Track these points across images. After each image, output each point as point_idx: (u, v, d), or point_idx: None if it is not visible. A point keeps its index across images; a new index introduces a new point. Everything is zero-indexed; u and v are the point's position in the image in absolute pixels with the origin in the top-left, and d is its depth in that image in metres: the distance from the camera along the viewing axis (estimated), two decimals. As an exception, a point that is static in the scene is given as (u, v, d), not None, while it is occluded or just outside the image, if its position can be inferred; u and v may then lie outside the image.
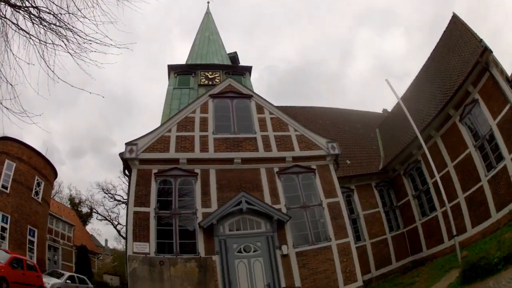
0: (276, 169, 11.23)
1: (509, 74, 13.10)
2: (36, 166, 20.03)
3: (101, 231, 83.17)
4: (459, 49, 13.50)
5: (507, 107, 10.65)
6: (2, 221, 17.31)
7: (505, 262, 6.45)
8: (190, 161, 10.84)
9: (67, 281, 15.17)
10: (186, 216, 10.35)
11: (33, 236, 19.36)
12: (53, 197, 28.28)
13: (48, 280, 13.83)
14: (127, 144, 10.85)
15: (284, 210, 10.62)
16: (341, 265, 10.58)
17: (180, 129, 11.35)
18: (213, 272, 9.36)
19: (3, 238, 17.08)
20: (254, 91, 13.22)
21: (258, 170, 11.11)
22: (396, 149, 15.48)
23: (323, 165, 11.73)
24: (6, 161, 18.57)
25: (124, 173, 11.60)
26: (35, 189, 19.80)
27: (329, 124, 17.83)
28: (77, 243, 27.31)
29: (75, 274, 16.97)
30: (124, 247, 43.18)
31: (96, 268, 30.39)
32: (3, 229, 17.25)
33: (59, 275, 15.48)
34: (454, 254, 10.28)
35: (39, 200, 20.09)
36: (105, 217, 38.82)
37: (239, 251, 10.01)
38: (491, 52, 11.14)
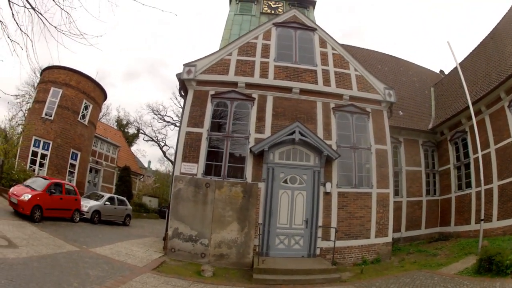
0: (332, 105, 11.17)
1: None
2: (85, 90, 20.80)
3: (146, 152, 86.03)
4: (518, 37, 13.14)
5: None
6: (43, 148, 18.39)
7: None
8: (249, 85, 10.91)
9: (106, 202, 15.54)
10: (238, 140, 10.56)
11: (75, 159, 20.49)
12: (100, 119, 29.04)
13: (86, 203, 14.27)
14: (185, 65, 11.00)
15: (334, 147, 10.66)
16: (377, 215, 10.67)
17: (241, 54, 11.34)
18: (257, 199, 9.45)
19: (42, 165, 18.15)
20: (317, 24, 12.80)
21: (315, 103, 11.07)
22: (447, 113, 15.14)
23: (377, 110, 11.56)
24: (52, 88, 19.53)
25: (180, 94, 11.86)
26: (82, 112, 20.67)
27: (387, 71, 17.39)
28: (121, 164, 28.06)
29: (115, 196, 17.38)
30: (167, 169, 42.00)
31: (136, 189, 30.95)
32: (43, 156, 18.33)
33: (98, 197, 15.88)
34: (476, 239, 10.31)
35: (86, 123, 21.04)
36: (152, 138, 39.58)
37: (285, 181, 10.20)
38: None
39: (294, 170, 10.32)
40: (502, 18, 15.56)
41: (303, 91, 11.04)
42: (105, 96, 23.63)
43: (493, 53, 14.69)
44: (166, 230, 10.03)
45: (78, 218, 13.25)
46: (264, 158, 10.15)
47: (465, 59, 17.01)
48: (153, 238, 12.60)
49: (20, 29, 5.19)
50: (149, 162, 50.32)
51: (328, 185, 10.32)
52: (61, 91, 19.64)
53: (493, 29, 15.96)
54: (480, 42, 16.74)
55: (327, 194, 10.30)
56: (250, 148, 10.21)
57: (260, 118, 10.67)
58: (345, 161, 10.82)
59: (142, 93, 73.70)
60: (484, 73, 14.22)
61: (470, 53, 17.17)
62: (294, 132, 10.16)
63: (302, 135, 10.17)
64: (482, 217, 10.01)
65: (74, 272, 5.85)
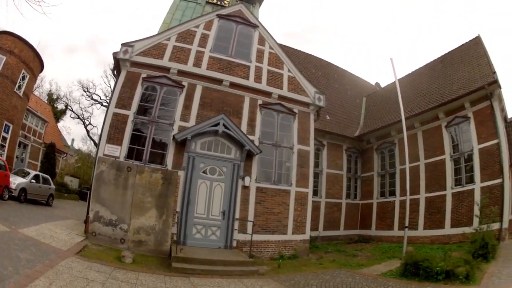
0: (259, 102, 11.47)
1: (509, 116, 13.71)
2: (25, 59, 19.52)
3: (71, 130, 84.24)
4: (471, 66, 13.70)
5: (494, 141, 11.29)
6: (-22, 118, 17.08)
7: (446, 275, 6.94)
8: (181, 72, 10.90)
9: (32, 180, 14.93)
10: (163, 126, 10.50)
11: (7, 132, 19.25)
12: (33, 91, 27.50)
13: (14, 180, 13.64)
14: (123, 44, 10.75)
15: (256, 143, 10.95)
16: (294, 213, 11.10)
17: (179, 40, 11.30)
18: (176, 187, 9.51)
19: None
20: (260, 21, 12.95)
21: (243, 98, 11.31)
22: (377, 123, 16.04)
23: (305, 112, 12.05)
24: (-2, 55, 18.12)
25: (113, 73, 11.61)
26: (19, 83, 19.44)
27: (321, 76, 17.97)
28: (47, 140, 26.94)
29: (40, 174, 16.66)
30: (89, 149, 41.33)
31: (59, 168, 29.87)
32: (-23, 127, 16.99)
33: (24, 174, 15.20)
34: (400, 245, 10.88)
35: (21, 94, 19.78)
36: (78, 115, 38.66)
37: (204, 172, 10.30)
38: (500, 87, 11.42)
39: (215, 161, 10.47)
40: (461, 45, 15.80)
41: (233, 85, 11.23)
42: (42, 67, 22.25)
43: (439, 75, 15.45)
44: (87, 213, 9.72)
45: (7, 196, 12.47)
46: (186, 146, 10.19)
47: (406, 75, 17.95)
48: (74, 221, 12.18)
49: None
50: (73, 140, 48.78)
51: (247, 179, 10.57)
52: (4, 58, 18.20)
53: (446, 53, 16.57)
54: (427, 63, 17.62)
55: (246, 188, 10.56)
56: (173, 135, 10.20)
57: (187, 107, 10.71)
58: (266, 158, 11.15)
59: (78, 68, 70.58)
60: (425, 92, 15.00)
61: (414, 71, 18.14)
62: (218, 124, 10.31)
63: (226, 127, 10.35)
64: (407, 225, 10.43)
65: (7, 254, 5.70)
